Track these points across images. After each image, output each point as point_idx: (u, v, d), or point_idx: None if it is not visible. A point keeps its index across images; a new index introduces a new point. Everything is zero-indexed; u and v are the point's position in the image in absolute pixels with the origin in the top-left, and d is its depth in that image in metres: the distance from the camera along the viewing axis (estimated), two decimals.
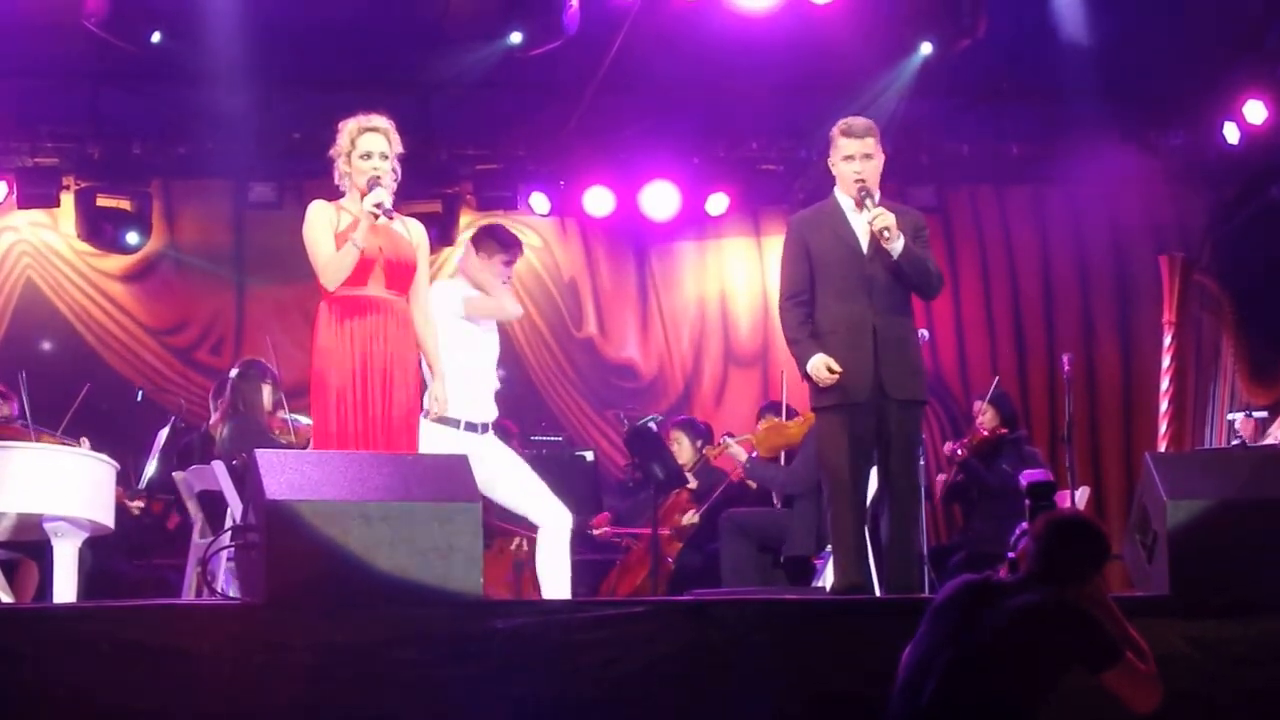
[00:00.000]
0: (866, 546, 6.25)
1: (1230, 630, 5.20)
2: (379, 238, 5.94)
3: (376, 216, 5.83)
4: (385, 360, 5.89)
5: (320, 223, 5.91)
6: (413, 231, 6.11)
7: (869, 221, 6.04)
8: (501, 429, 9.28)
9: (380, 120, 6.01)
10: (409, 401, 5.98)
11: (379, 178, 5.89)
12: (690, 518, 8.95)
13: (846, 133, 6.16)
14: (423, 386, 6.17)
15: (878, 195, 6.13)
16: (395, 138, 6.00)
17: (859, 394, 6.00)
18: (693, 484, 9.03)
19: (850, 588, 5.95)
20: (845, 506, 6.02)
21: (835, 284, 6.10)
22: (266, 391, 7.94)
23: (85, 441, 6.95)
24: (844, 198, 6.19)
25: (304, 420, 7.74)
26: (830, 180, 6.33)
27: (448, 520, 4.94)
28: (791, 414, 8.80)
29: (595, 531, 9.18)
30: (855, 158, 6.12)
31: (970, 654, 4.24)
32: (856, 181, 6.08)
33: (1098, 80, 10.00)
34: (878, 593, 6.36)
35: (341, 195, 6.06)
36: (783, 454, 8.49)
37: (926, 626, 4.39)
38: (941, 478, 9.12)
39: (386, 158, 5.94)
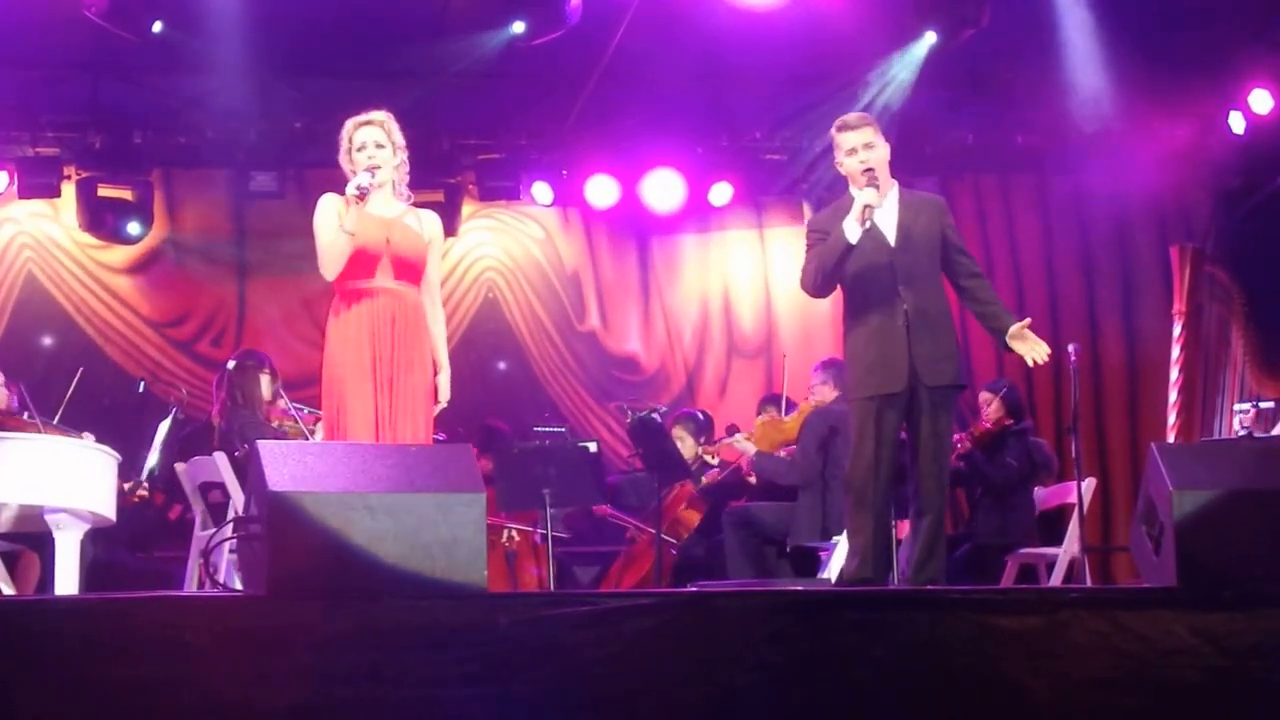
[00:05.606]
0: (882, 542, 6.18)
1: (1238, 622, 5.15)
2: (386, 231, 6.00)
3: (359, 199, 5.88)
4: (395, 349, 5.92)
5: (326, 214, 5.99)
6: (425, 224, 6.17)
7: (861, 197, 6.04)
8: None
9: (375, 114, 6.10)
10: (423, 387, 5.99)
11: (377, 166, 5.98)
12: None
13: (842, 128, 6.20)
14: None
15: (890, 183, 6.16)
16: (393, 126, 6.09)
17: (895, 384, 5.98)
18: (712, 460, 8.98)
19: (860, 580, 5.91)
20: (869, 500, 5.95)
21: (865, 277, 6.09)
22: (264, 381, 7.90)
23: (89, 436, 6.92)
24: (859, 194, 6.17)
25: (306, 410, 7.71)
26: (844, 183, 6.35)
27: (451, 512, 4.91)
28: (791, 407, 8.79)
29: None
30: (858, 149, 6.15)
31: None
32: (866, 172, 6.09)
33: (1102, 69, 9.97)
34: (886, 585, 6.32)
35: None
36: (782, 449, 8.47)
37: None
38: None
39: (382, 146, 6.03)
